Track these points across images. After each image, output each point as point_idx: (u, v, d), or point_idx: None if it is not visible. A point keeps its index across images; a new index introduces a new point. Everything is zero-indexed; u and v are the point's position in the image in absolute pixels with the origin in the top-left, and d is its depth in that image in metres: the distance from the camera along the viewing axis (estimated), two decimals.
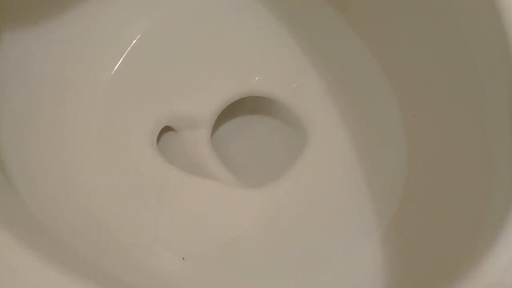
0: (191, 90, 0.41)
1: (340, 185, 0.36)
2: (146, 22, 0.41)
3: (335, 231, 0.35)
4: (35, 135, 0.36)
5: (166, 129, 0.41)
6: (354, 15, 0.39)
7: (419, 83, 0.34)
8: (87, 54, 0.40)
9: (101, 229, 0.33)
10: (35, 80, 0.37)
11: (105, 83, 0.40)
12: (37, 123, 0.37)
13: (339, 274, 0.32)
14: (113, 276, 0.27)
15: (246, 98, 0.41)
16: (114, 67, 0.40)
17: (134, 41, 0.41)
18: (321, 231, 0.35)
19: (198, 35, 0.42)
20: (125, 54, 0.41)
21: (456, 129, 0.31)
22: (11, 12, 0.35)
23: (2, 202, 0.28)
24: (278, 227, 0.36)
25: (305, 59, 0.40)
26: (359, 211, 0.35)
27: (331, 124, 0.38)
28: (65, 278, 0.22)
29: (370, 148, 0.36)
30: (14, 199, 0.30)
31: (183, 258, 0.34)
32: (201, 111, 0.40)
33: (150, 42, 0.41)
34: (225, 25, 0.42)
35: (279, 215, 0.36)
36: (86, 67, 0.40)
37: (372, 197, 0.34)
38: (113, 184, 0.37)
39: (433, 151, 0.33)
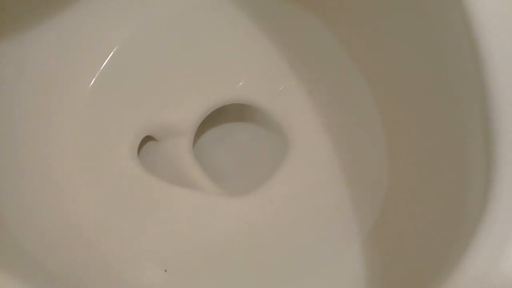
0: (172, 99, 0.40)
1: (322, 192, 0.36)
2: (127, 30, 0.41)
3: (318, 238, 0.35)
4: (14, 143, 0.36)
5: (148, 138, 0.41)
6: (332, 18, 0.39)
7: (399, 88, 0.34)
8: (68, 62, 0.39)
9: (82, 241, 0.33)
10: (14, 89, 0.37)
11: (85, 93, 0.40)
12: (16, 132, 0.36)
13: (321, 281, 0.32)
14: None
15: (228, 106, 0.41)
16: (95, 76, 0.40)
17: (115, 49, 0.41)
18: (304, 238, 0.35)
19: (179, 43, 0.41)
20: (105, 63, 0.40)
21: (434, 134, 0.32)
22: None
23: None
24: (261, 236, 0.36)
25: (286, 65, 0.40)
26: (341, 218, 0.35)
27: (313, 130, 0.38)
28: None
29: (351, 154, 0.36)
30: None
31: (165, 270, 0.33)
32: (183, 120, 0.39)
33: (130, 50, 0.41)
34: (205, 32, 0.42)
35: (262, 223, 0.36)
36: (66, 76, 0.39)
37: (353, 204, 0.34)
38: (94, 195, 0.36)
39: (413, 156, 0.33)
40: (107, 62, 0.41)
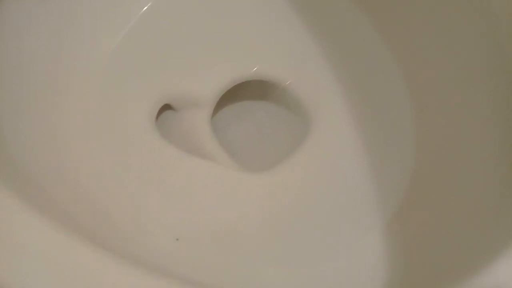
0: (194, 69, 0.39)
1: (344, 174, 0.35)
2: None
3: (338, 221, 0.33)
4: (30, 105, 0.34)
5: (166, 107, 0.40)
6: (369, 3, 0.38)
7: (432, 74, 0.33)
8: (87, 24, 0.38)
9: (94, 203, 0.32)
10: (29, 49, 0.35)
11: (105, 55, 0.38)
12: (30, 94, 0.35)
13: (340, 264, 0.31)
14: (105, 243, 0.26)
15: (249, 82, 0.40)
16: (116, 40, 0.39)
17: (138, 14, 0.40)
18: (323, 220, 0.34)
19: (205, 12, 0.40)
20: (128, 27, 0.39)
21: (468, 124, 0.31)
22: None
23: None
24: (278, 214, 0.35)
25: (313, 45, 0.39)
26: (363, 201, 0.33)
27: (337, 111, 0.37)
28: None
29: (377, 137, 0.35)
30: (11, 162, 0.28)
31: (177, 239, 0.32)
32: (203, 91, 0.38)
33: (154, 16, 0.40)
34: (233, 4, 0.41)
35: (279, 201, 0.35)
36: (85, 38, 0.38)
37: (377, 188, 0.33)
38: (108, 158, 0.35)
39: (443, 144, 0.32)
40: (130, 27, 0.40)
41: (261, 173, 0.36)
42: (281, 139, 0.41)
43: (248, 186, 0.36)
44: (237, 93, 0.41)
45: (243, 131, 0.41)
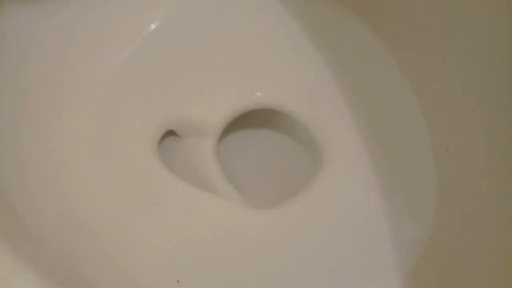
0: (200, 95, 0.37)
1: (358, 216, 0.33)
2: (161, 14, 0.38)
3: (349, 269, 0.31)
4: (28, 128, 0.32)
5: (169, 133, 0.37)
6: (378, 23, 0.36)
7: (455, 113, 0.32)
8: (93, 40, 0.37)
9: (91, 239, 0.30)
10: (30, 64, 0.33)
11: (108, 76, 0.36)
12: (30, 117, 0.33)
13: None
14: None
15: (258, 110, 0.38)
16: (121, 59, 0.37)
17: (144, 35, 0.38)
18: (332, 266, 0.32)
19: (212, 38, 0.38)
20: (134, 47, 0.37)
21: (494, 170, 0.29)
22: None
23: None
24: (283, 255, 0.33)
25: (325, 73, 0.37)
26: (376, 253, 0.31)
27: (351, 148, 0.35)
28: None
29: (394, 180, 0.33)
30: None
31: (178, 281, 0.30)
32: (209, 119, 0.36)
33: (159, 39, 0.38)
34: (241, 30, 0.39)
35: (286, 241, 0.33)
36: (90, 55, 0.36)
37: (394, 233, 0.31)
38: (107, 189, 0.33)
39: (466, 192, 0.30)
40: (137, 46, 0.38)
41: (268, 210, 0.34)
42: (289, 171, 0.39)
43: (254, 224, 0.34)
44: (243, 120, 0.39)
45: (251, 161, 0.39)
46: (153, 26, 0.38)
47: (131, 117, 0.36)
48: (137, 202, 0.33)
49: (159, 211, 0.33)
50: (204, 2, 0.39)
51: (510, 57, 0.29)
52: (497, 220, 0.28)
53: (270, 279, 0.32)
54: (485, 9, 0.29)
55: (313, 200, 0.34)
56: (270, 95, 0.38)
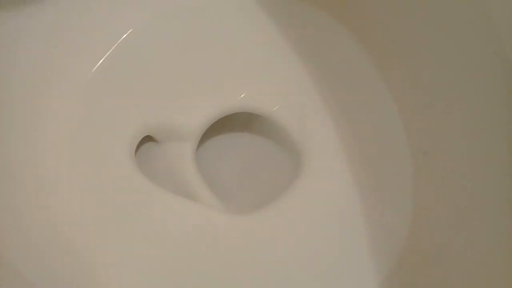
0: (178, 100, 0.37)
1: (337, 222, 0.32)
2: (137, 19, 0.38)
3: (328, 274, 0.31)
4: (1, 136, 0.32)
5: (147, 139, 0.37)
6: (358, 26, 0.36)
7: (433, 117, 0.32)
8: (69, 46, 0.36)
9: (68, 248, 0.29)
10: (5, 75, 0.33)
11: (84, 82, 0.36)
12: (5, 120, 0.32)
13: None
14: None
15: (237, 114, 0.38)
16: (97, 65, 0.36)
17: (122, 38, 0.37)
18: (313, 271, 0.31)
19: (190, 41, 0.38)
20: (110, 52, 0.37)
21: (471, 172, 0.29)
22: None
23: None
24: (265, 261, 0.32)
25: (303, 74, 0.37)
26: (355, 255, 0.31)
27: (330, 150, 0.35)
28: None
29: (373, 183, 0.33)
30: None
31: None
32: (188, 123, 0.36)
33: (138, 42, 0.38)
34: (219, 33, 0.39)
35: (267, 247, 0.33)
36: (66, 61, 0.36)
37: (373, 238, 0.31)
38: (81, 193, 0.32)
39: (444, 193, 0.30)
40: (112, 51, 0.37)
41: (246, 216, 0.34)
42: (269, 176, 0.38)
43: (232, 230, 0.33)
44: (223, 124, 0.39)
45: (230, 166, 0.39)
46: (130, 30, 0.38)
47: (107, 124, 0.35)
48: (114, 209, 0.33)
49: (136, 218, 0.33)
50: (182, 5, 0.39)
51: (488, 62, 0.29)
52: (474, 216, 0.28)
53: (249, 284, 0.31)
54: (463, 14, 0.29)
55: (293, 204, 0.34)
56: (250, 99, 0.37)
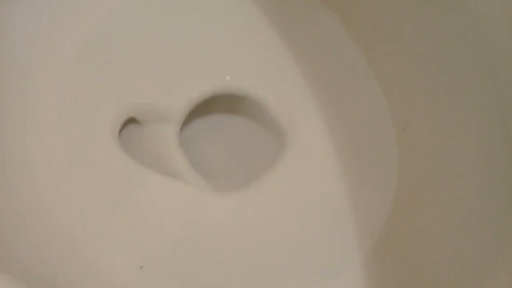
0: (161, 81, 0.37)
1: (321, 196, 0.33)
2: (118, 0, 0.37)
3: (313, 250, 0.31)
4: None
5: (131, 120, 0.37)
6: (348, 15, 0.36)
7: (414, 91, 0.32)
8: (48, 29, 0.35)
9: (51, 227, 0.29)
10: None
11: (65, 65, 0.35)
12: None
13: None
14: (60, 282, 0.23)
15: (221, 96, 0.38)
16: (77, 47, 0.36)
17: (104, 20, 0.37)
18: (297, 248, 0.32)
19: (174, 20, 0.38)
20: (90, 34, 0.36)
21: (452, 146, 0.29)
22: None
23: None
24: (248, 238, 0.33)
25: (288, 56, 0.37)
26: (340, 227, 0.32)
27: (314, 130, 0.35)
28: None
29: (357, 160, 0.33)
30: None
31: (141, 267, 0.29)
32: (172, 105, 0.36)
33: (120, 24, 0.37)
34: (203, 14, 0.39)
35: (251, 225, 0.33)
36: (46, 45, 0.35)
37: (356, 212, 0.31)
38: (68, 177, 0.32)
39: (426, 168, 0.30)
40: (91, 35, 0.36)
41: (231, 194, 0.34)
42: (253, 156, 0.39)
43: (218, 208, 0.33)
44: (207, 106, 0.39)
45: (213, 147, 0.39)
46: (112, 12, 0.37)
47: (89, 106, 0.35)
48: (100, 191, 0.32)
49: (123, 199, 0.33)
50: None
51: (471, 40, 0.29)
52: (456, 193, 0.28)
53: (235, 262, 0.32)
54: None
55: (277, 182, 0.34)
56: (235, 81, 0.37)
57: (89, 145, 0.34)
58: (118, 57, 0.37)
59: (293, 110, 0.36)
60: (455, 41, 0.29)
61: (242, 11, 0.38)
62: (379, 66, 0.35)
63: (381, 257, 0.29)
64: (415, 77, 0.33)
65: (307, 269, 0.31)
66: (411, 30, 0.33)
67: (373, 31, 0.34)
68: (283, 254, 0.32)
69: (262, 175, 0.35)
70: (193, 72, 0.37)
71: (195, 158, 0.36)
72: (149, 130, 0.36)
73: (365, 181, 0.33)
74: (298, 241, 0.32)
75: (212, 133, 0.39)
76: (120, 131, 0.36)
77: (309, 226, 0.32)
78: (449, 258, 0.27)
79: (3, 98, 0.33)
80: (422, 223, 0.29)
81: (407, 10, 0.33)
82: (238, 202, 0.33)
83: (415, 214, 0.30)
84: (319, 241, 0.32)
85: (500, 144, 0.26)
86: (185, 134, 0.38)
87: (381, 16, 0.35)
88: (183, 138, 0.37)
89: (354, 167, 0.34)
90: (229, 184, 0.35)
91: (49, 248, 0.29)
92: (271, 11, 0.38)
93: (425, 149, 0.30)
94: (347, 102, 0.36)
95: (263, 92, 0.37)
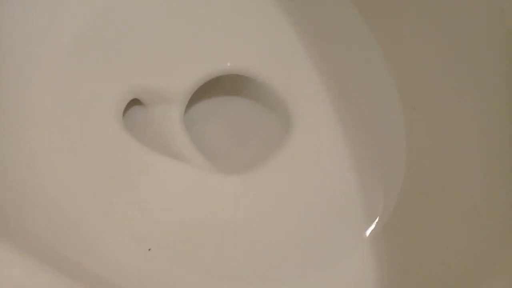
0: (165, 63, 0.36)
1: (328, 181, 0.33)
2: None
3: (320, 232, 0.31)
4: None
5: (134, 102, 0.36)
6: None
7: (423, 72, 0.32)
8: (50, 13, 0.35)
9: (58, 213, 0.29)
10: None
11: (69, 48, 0.35)
12: None
13: (322, 279, 0.29)
14: (73, 262, 0.23)
15: (224, 77, 0.37)
16: (80, 30, 0.35)
17: (107, 4, 0.36)
18: (303, 230, 0.31)
19: (178, 3, 0.37)
20: (95, 16, 0.36)
21: (459, 124, 0.29)
22: None
23: None
24: (253, 220, 0.32)
25: (294, 37, 0.37)
26: (347, 211, 0.31)
27: (320, 112, 0.35)
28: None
29: (364, 141, 0.33)
30: None
31: (149, 249, 0.29)
32: (176, 86, 0.35)
33: (123, 7, 0.37)
34: None
35: (256, 207, 0.33)
36: (49, 23, 0.34)
37: (364, 195, 0.31)
38: (71, 161, 0.32)
39: (435, 150, 0.30)
40: (95, 17, 0.36)
41: (237, 175, 0.34)
42: (258, 137, 0.38)
43: (223, 190, 0.33)
44: (211, 87, 0.38)
45: (218, 128, 0.39)
46: None
47: (93, 87, 0.34)
48: (105, 173, 0.32)
49: (127, 181, 0.32)
50: None
51: (481, 22, 0.29)
52: (462, 176, 0.28)
53: (241, 244, 0.32)
54: None
55: (282, 164, 0.33)
56: (237, 62, 0.37)
57: (93, 127, 0.33)
58: (122, 40, 0.36)
59: (299, 91, 0.36)
60: (468, 27, 0.28)
61: None
62: (389, 47, 0.34)
63: (387, 242, 0.29)
64: (425, 58, 0.32)
65: (310, 253, 0.31)
66: (424, 17, 0.32)
67: (383, 12, 0.34)
68: (286, 237, 0.32)
69: (267, 157, 0.34)
70: (197, 53, 0.37)
71: (199, 140, 0.36)
72: (153, 111, 0.36)
73: (373, 165, 0.32)
74: (303, 224, 0.32)
75: (216, 114, 0.39)
76: (125, 113, 0.36)
77: (314, 211, 0.32)
78: (455, 247, 0.27)
79: (6, 83, 0.33)
80: (429, 211, 0.29)
81: None
82: (242, 184, 0.33)
83: (422, 201, 0.29)
84: (324, 226, 0.32)
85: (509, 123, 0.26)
86: (189, 116, 0.38)
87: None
88: (187, 119, 0.37)
89: (362, 151, 0.33)
90: (233, 166, 0.35)
91: (54, 233, 0.28)
92: None
93: (434, 129, 0.30)
94: (354, 83, 0.35)
95: (268, 73, 0.37)
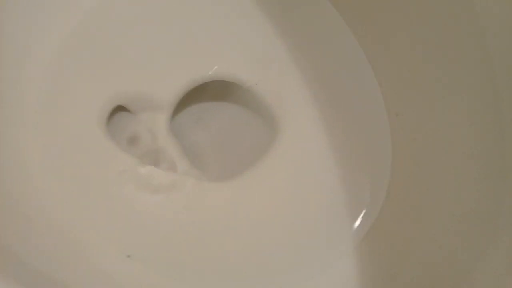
0: (151, 69, 0.36)
1: (314, 187, 0.32)
2: None
3: (306, 238, 0.31)
4: None
5: (119, 108, 0.36)
6: (343, 1, 0.35)
7: (407, 77, 0.31)
8: (36, 20, 0.35)
9: (36, 217, 0.28)
10: None
11: (53, 54, 0.35)
12: None
13: (312, 283, 0.29)
14: (44, 273, 0.23)
15: (211, 83, 0.37)
16: (64, 38, 0.35)
17: (90, 10, 0.36)
18: (289, 236, 0.31)
19: (163, 9, 0.37)
20: (78, 23, 0.35)
21: (446, 133, 0.29)
22: None
23: None
24: (240, 227, 0.32)
25: (279, 43, 0.37)
26: (333, 218, 0.31)
27: (306, 117, 0.34)
28: None
29: (350, 146, 0.33)
30: None
31: (129, 256, 0.29)
32: (162, 93, 0.35)
33: (107, 13, 0.36)
34: (192, 1, 0.38)
35: (243, 214, 0.33)
36: (31, 36, 0.34)
37: (350, 200, 0.31)
38: (54, 166, 0.32)
39: (419, 156, 0.30)
40: (78, 24, 0.36)
41: (223, 183, 0.33)
42: (245, 144, 0.38)
43: (209, 197, 0.33)
44: (197, 94, 0.38)
45: (205, 135, 0.38)
46: (99, 1, 0.37)
47: (77, 93, 0.34)
48: (85, 181, 0.32)
49: (108, 188, 0.32)
50: None
51: (463, 27, 0.29)
52: (448, 179, 0.28)
53: (226, 251, 0.31)
54: None
55: (269, 169, 0.33)
56: (224, 68, 0.37)
57: (76, 132, 0.33)
58: (106, 47, 0.36)
59: (285, 96, 0.36)
60: (452, 36, 0.28)
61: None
62: (373, 53, 0.34)
63: (374, 244, 0.29)
64: (409, 64, 0.32)
65: (300, 256, 0.31)
66: (408, 21, 0.32)
67: (367, 19, 0.34)
68: (276, 242, 0.32)
69: (254, 163, 0.34)
70: (183, 59, 0.36)
71: (185, 147, 0.36)
72: (139, 118, 0.36)
73: (359, 168, 0.32)
74: (292, 228, 0.32)
75: (203, 121, 0.39)
76: (110, 119, 0.36)
77: (302, 213, 0.32)
78: (442, 246, 0.26)
79: None
80: (416, 211, 0.29)
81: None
82: (228, 191, 0.33)
83: (409, 202, 0.29)
84: (312, 228, 0.31)
85: (493, 130, 0.26)
86: (175, 123, 0.38)
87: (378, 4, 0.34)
88: (173, 126, 0.37)
89: (347, 154, 0.33)
90: (219, 172, 0.35)
91: (36, 238, 0.28)
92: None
93: (418, 135, 0.30)
94: (339, 88, 0.35)
95: (254, 79, 0.36)
